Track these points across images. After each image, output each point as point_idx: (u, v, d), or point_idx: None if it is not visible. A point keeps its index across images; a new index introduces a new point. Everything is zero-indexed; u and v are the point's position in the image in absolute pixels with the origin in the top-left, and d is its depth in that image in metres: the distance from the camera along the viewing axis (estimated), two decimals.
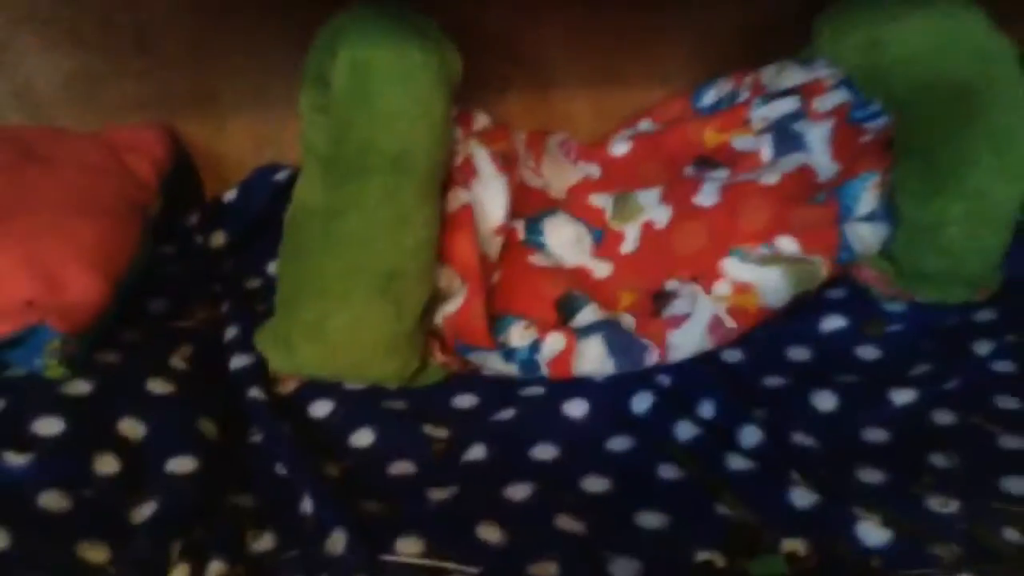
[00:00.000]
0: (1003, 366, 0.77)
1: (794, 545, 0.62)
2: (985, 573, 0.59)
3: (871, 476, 0.68)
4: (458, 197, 0.75)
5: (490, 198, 0.77)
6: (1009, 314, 0.80)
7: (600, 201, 0.87)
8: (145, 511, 0.63)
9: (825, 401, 0.75)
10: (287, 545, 0.63)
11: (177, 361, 0.75)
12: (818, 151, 0.80)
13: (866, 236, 0.77)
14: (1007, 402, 0.74)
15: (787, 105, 0.82)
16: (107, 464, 0.65)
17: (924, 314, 0.82)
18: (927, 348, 0.80)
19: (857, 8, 0.77)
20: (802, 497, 0.65)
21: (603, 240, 0.84)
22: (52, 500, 0.61)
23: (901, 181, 0.76)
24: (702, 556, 0.62)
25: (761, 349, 0.81)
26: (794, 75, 0.84)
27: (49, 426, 0.66)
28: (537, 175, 0.90)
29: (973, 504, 0.65)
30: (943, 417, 0.73)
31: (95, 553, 0.59)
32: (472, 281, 0.73)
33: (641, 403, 0.74)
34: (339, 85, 0.70)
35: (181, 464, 0.66)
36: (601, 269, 0.82)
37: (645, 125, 0.92)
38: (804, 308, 0.83)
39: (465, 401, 0.76)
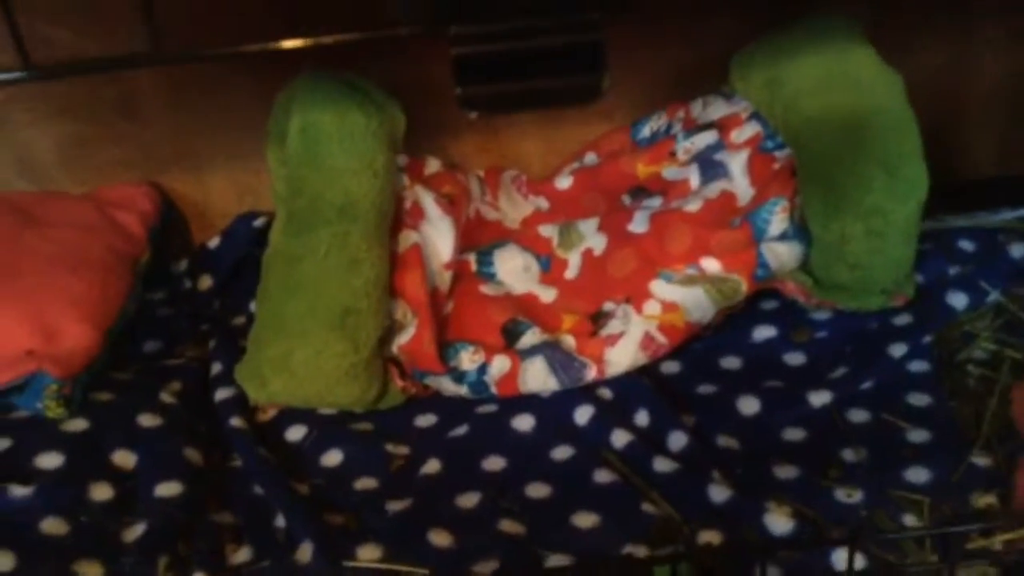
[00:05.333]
0: (917, 365, 0.84)
1: (710, 536, 0.70)
2: None
3: (785, 472, 0.75)
4: (408, 238, 0.83)
5: (438, 238, 0.85)
6: (925, 317, 0.87)
7: (548, 231, 0.94)
8: (136, 531, 0.71)
9: (749, 405, 0.82)
10: (262, 556, 0.71)
11: (166, 396, 0.83)
12: (739, 178, 0.88)
13: (782, 254, 0.84)
14: (919, 399, 0.81)
15: (708, 138, 0.90)
16: (102, 492, 0.73)
17: (847, 320, 0.88)
18: (848, 352, 0.86)
19: (759, 50, 0.85)
20: (719, 493, 0.72)
21: (550, 267, 0.92)
22: (52, 525, 0.69)
23: (806, 203, 0.83)
24: (627, 550, 0.69)
25: (697, 360, 0.88)
26: (717, 108, 0.92)
27: (50, 460, 0.74)
28: (494, 209, 0.98)
29: (875, 493, 0.72)
30: (857, 415, 0.80)
31: (91, 570, 0.67)
32: (422, 313, 0.81)
33: (583, 415, 0.81)
34: (292, 146, 0.79)
35: (168, 488, 0.74)
36: (547, 294, 0.90)
37: (590, 158, 1.00)
38: (738, 320, 0.90)
39: (424, 420, 0.84)
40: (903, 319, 0.88)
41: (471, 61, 0.59)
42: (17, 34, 0.52)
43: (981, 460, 0.74)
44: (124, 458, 0.76)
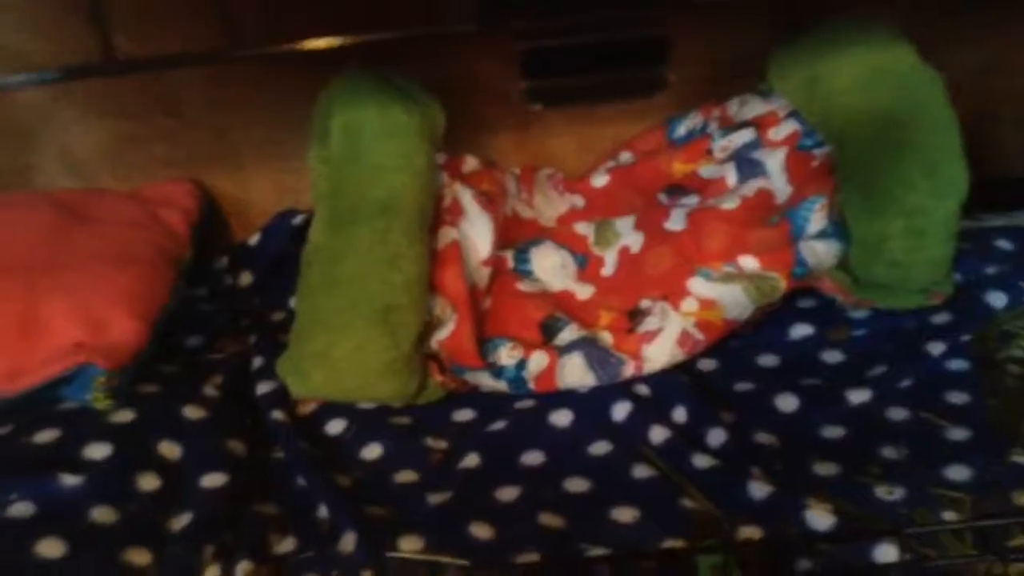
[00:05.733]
0: (956, 364, 0.84)
1: (749, 532, 0.70)
2: None
3: (824, 469, 0.75)
4: (447, 235, 0.84)
5: (477, 234, 0.86)
6: (963, 315, 0.87)
7: (584, 229, 0.95)
8: (182, 520, 0.72)
9: (788, 403, 0.82)
10: (305, 546, 0.72)
11: (209, 389, 0.85)
12: (776, 176, 0.88)
13: (820, 252, 0.84)
14: (958, 397, 0.81)
15: (745, 136, 0.90)
16: (149, 481, 0.74)
17: (885, 319, 0.88)
18: (886, 350, 0.86)
19: (798, 47, 0.85)
20: (759, 489, 0.72)
21: (586, 265, 0.93)
22: (102, 514, 0.71)
23: (846, 202, 0.83)
24: (666, 544, 0.70)
25: (734, 357, 0.88)
26: (754, 107, 0.92)
27: (98, 450, 0.75)
28: (529, 207, 0.99)
29: (915, 491, 0.71)
30: (896, 413, 0.80)
31: (139, 557, 0.69)
32: (461, 309, 0.82)
33: (620, 411, 0.82)
34: (334, 144, 0.80)
35: (213, 479, 0.76)
36: (584, 291, 0.90)
37: (625, 156, 1.01)
38: (775, 318, 0.91)
39: (463, 415, 0.85)
40: (941, 318, 0.88)
41: (537, 55, 0.60)
42: (105, 32, 0.54)
43: (1022, 459, 0.73)
44: (170, 449, 0.78)
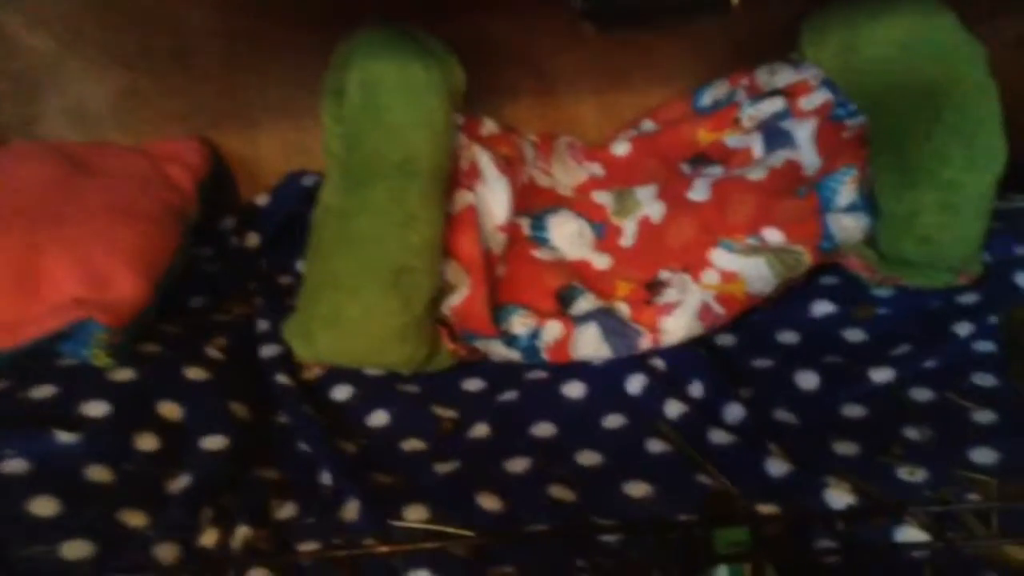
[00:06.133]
0: (983, 346, 0.81)
1: (767, 510, 0.68)
2: None
3: (845, 448, 0.73)
4: (463, 198, 0.81)
5: (494, 199, 0.83)
6: (991, 296, 0.84)
7: (603, 198, 0.92)
8: (180, 482, 0.70)
9: (808, 380, 0.79)
10: (307, 513, 0.70)
11: (213, 351, 0.82)
12: (805, 147, 0.85)
13: (848, 226, 0.82)
14: (984, 379, 0.78)
15: (774, 105, 0.87)
16: (147, 442, 0.72)
17: (910, 298, 0.86)
18: (911, 330, 0.84)
19: (833, 14, 0.82)
20: (777, 467, 0.70)
21: (604, 234, 0.90)
22: (98, 473, 0.69)
23: (879, 174, 0.80)
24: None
25: (753, 333, 0.86)
26: (785, 76, 0.89)
27: (96, 408, 0.73)
28: (547, 174, 0.96)
29: (939, 472, 0.69)
30: (920, 394, 0.78)
31: (135, 519, 0.67)
32: (475, 275, 0.79)
33: (635, 384, 0.79)
34: (351, 100, 0.77)
35: (213, 442, 0.73)
36: (601, 261, 0.88)
37: (647, 125, 0.98)
38: (797, 295, 0.88)
39: (473, 384, 0.83)
40: (968, 298, 0.85)
41: None
42: None
43: None
44: (170, 410, 0.75)
